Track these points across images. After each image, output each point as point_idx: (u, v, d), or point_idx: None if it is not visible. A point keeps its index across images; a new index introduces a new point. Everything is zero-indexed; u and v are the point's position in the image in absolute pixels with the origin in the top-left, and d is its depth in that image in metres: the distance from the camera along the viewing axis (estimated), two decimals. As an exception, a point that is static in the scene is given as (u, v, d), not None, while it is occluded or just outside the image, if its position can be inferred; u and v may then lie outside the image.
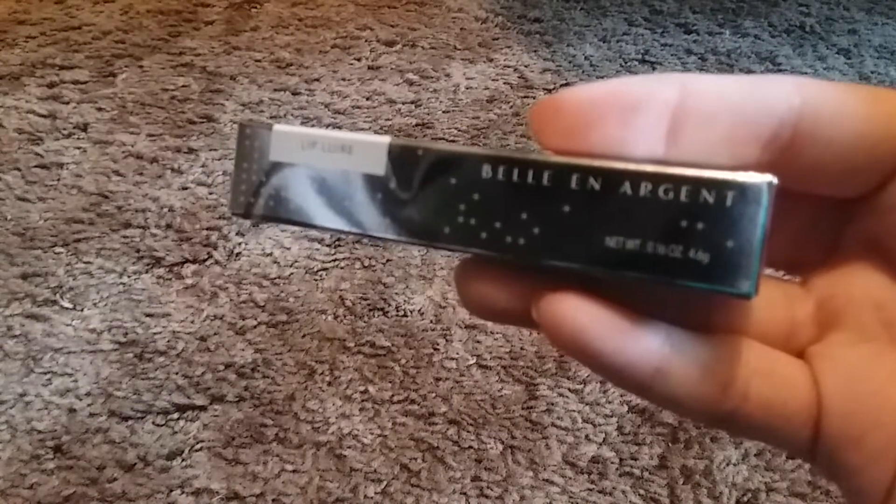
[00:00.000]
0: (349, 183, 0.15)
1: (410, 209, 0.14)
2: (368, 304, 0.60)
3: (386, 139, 0.15)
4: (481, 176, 0.14)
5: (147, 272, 0.62)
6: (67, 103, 0.79)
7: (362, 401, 0.54)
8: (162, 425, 0.52)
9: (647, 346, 0.14)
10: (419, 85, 0.83)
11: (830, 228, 0.16)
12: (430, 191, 0.14)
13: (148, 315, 0.59)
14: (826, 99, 0.13)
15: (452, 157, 0.14)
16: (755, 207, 0.12)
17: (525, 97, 0.82)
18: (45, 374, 0.55)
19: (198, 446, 0.51)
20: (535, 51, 0.89)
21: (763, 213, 0.12)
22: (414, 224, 0.14)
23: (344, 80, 0.84)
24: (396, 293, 0.61)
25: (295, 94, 0.81)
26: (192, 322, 0.59)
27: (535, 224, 0.14)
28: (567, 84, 0.84)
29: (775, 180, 0.12)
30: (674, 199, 0.13)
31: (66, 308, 0.59)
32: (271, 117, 0.78)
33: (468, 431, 0.52)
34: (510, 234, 0.14)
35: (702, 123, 0.13)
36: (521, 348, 0.57)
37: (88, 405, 0.53)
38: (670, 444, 0.52)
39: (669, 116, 0.13)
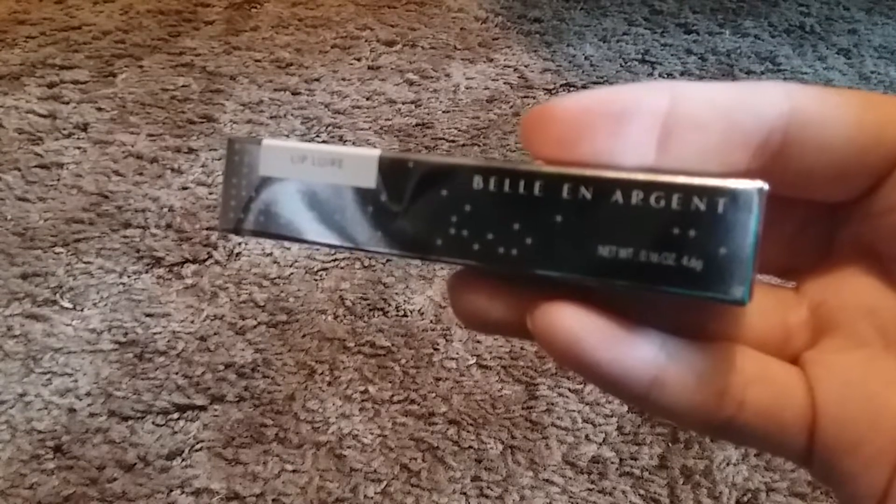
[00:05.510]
0: (340, 197, 0.15)
1: (402, 222, 0.14)
2: (368, 304, 0.60)
3: (376, 152, 0.14)
4: (472, 187, 0.14)
5: (147, 272, 0.62)
6: (67, 103, 0.79)
7: (362, 401, 0.54)
8: (162, 425, 0.52)
9: (643, 355, 0.14)
10: (419, 85, 0.83)
11: (823, 233, 0.16)
12: (422, 203, 0.14)
13: (148, 315, 0.59)
14: (815, 104, 0.14)
15: (443, 169, 0.14)
16: (747, 214, 0.12)
17: (525, 97, 0.82)
18: (45, 374, 0.55)
19: (198, 446, 0.51)
20: (535, 51, 0.89)
21: (755, 220, 0.12)
22: (406, 237, 0.14)
23: (344, 80, 0.84)
24: (396, 293, 0.61)
25: (295, 94, 0.81)
26: (192, 322, 0.59)
27: (527, 234, 0.13)
28: (567, 84, 0.84)
29: (766, 186, 0.12)
30: (665, 206, 0.13)
31: (66, 308, 0.59)
32: (271, 117, 0.78)
33: (468, 431, 0.52)
34: (503, 244, 0.14)
35: (692, 131, 0.13)
36: (521, 348, 0.57)
37: (88, 405, 0.53)
38: (670, 444, 0.52)
39: (660, 124, 0.13)
